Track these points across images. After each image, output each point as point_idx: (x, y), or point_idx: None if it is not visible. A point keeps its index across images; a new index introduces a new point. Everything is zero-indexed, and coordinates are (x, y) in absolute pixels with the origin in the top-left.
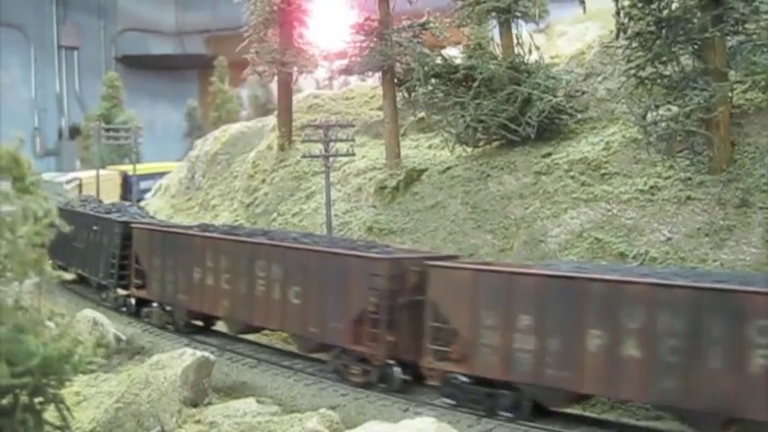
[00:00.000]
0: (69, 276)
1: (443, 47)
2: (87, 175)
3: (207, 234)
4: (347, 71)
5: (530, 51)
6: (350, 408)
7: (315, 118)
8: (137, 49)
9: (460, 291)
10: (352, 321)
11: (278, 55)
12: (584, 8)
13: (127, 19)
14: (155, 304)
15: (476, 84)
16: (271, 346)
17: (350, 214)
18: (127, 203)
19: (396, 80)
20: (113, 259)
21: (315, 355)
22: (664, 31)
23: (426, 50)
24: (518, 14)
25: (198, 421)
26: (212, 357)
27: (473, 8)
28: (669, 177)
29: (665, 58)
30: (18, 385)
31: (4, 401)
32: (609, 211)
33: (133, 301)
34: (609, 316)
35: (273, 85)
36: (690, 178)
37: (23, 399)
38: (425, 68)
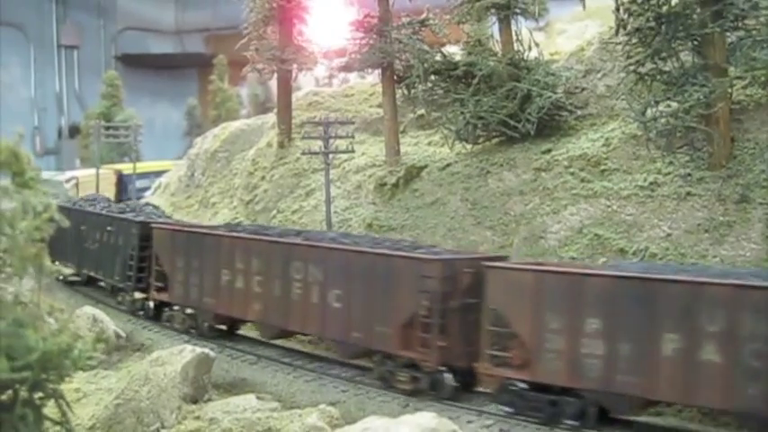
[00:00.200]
0: (68, 271)
1: (443, 44)
2: (84, 173)
3: (236, 234)
4: (347, 68)
5: (529, 48)
6: (350, 404)
7: (314, 115)
8: (136, 47)
9: (522, 293)
10: (401, 326)
11: (277, 52)
12: (584, 5)
13: (127, 18)
14: (176, 308)
15: (475, 80)
16: (270, 343)
17: (349, 211)
18: (141, 202)
19: (395, 77)
20: (131, 261)
21: (357, 362)
22: (663, 26)
23: (426, 47)
24: (517, 11)
25: (198, 417)
26: (212, 354)
27: (472, 5)
28: (669, 173)
29: (664, 54)
30: (18, 380)
31: (4, 396)
32: (609, 207)
33: (152, 304)
34: (686, 319)
35: (273, 84)
36: (689, 174)
37: (23, 394)
38: (425, 65)
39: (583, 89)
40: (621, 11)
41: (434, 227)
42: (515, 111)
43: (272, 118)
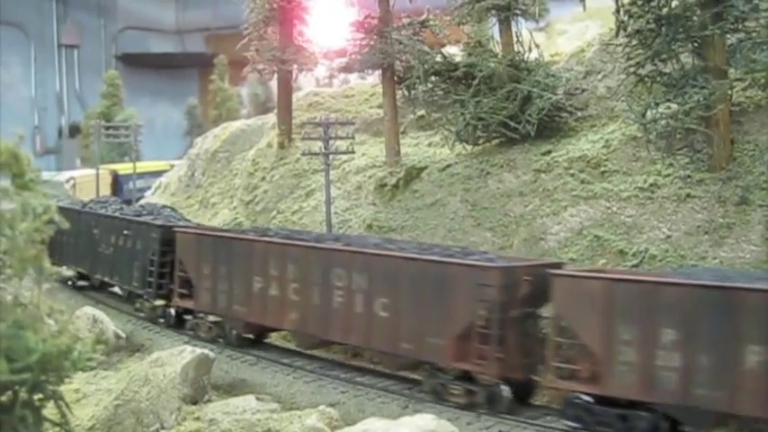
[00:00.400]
0: (69, 273)
1: (443, 45)
2: (81, 174)
3: (271, 239)
4: (347, 69)
5: (529, 49)
6: (349, 405)
7: (315, 116)
8: (137, 47)
9: (591, 303)
10: (456, 336)
11: (278, 53)
12: (585, 6)
13: (127, 17)
14: (202, 316)
15: (475, 81)
16: (269, 344)
17: (350, 212)
18: (159, 205)
19: (396, 78)
20: (151, 266)
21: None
22: (663, 28)
23: (426, 48)
24: (518, 12)
25: (197, 418)
26: (212, 355)
27: (473, 6)
28: (669, 175)
29: (664, 56)
30: (17, 381)
31: (4, 398)
32: (608, 208)
33: (173, 311)
34: None
35: (273, 84)
36: (689, 176)
37: (23, 395)
38: (425, 66)
39: (583, 90)
40: (622, 12)
41: (434, 228)
42: (515, 112)
43: (272, 118)
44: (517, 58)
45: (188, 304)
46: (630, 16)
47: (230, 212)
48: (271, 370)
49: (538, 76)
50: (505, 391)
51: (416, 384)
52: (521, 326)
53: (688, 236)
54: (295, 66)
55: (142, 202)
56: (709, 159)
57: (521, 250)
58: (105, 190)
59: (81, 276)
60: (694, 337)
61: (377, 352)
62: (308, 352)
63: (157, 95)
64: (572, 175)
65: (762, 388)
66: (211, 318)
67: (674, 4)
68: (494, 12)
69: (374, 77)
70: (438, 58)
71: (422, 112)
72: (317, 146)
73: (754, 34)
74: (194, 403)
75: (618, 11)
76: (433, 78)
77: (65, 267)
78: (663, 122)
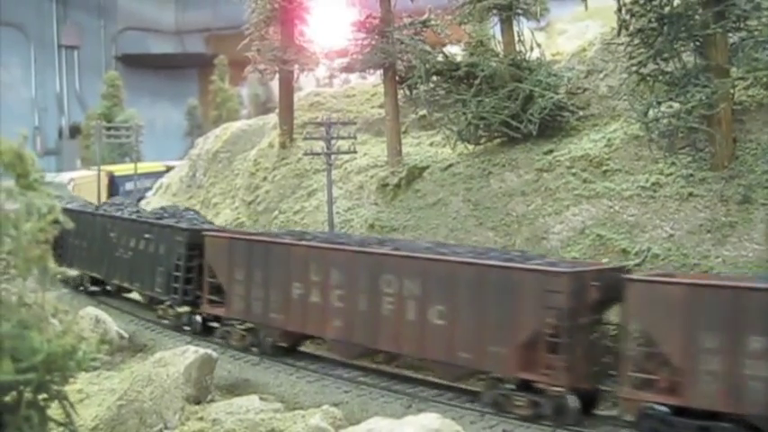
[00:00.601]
0: (73, 273)
1: (445, 44)
2: (79, 175)
3: (312, 244)
4: (349, 69)
5: (531, 49)
6: (353, 404)
7: (316, 116)
8: (137, 48)
9: (671, 309)
10: (521, 345)
11: (279, 53)
12: (587, 5)
13: (127, 18)
14: (234, 323)
15: (477, 81)
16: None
17: (352, 212)
18: (181, 207)
19: (397, 78)
20: (177, 272)
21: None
22: (665, 27)
23: (428, 48)
24: (519, 12)
25: (201, 418)
26: (215, 354)
27: (474, 5)
28: (671, 174)
29: (666, 55)
30: (22, 382)
31: (8, 398)
32: (611, 207)
33: (199, 318)
34: None
35: (274, 84)
36: (692, 175)
37: (27, 395)
38: (427, 66)
39: (585, 90)
40: (624, 11)
41: (436, 227)
42: (517, 111)
43: (273, 118)
44: (519, 57)
45: (218, 311)
46: (632, 15)
47: (232, 213)
48: (274, 370)
49: (540, 75)
50: (573, 401)
51: (473, 396)
52: (589, 333)
53: (691, 235)
54: (296, 66)
55: (142, 203)
56: (711, 158)
57: (523, 249)
58: (102, 191)
59: (94, 281)
60: None
61: (431, 362)
62: (309, 351)
63: (157, 96)
64: (574, 174)
65: None
66: (241, 325)
67: (675, 3)
68: (495, 11)
69: (375, 77)
70: (440, 58)
71: (423, 112)
72: (320, 146)
73: (755, 33)
74: (198, 403)
75: (620, 10)
76: (434, 78)
77: (77, 272)
78: (665, 121)
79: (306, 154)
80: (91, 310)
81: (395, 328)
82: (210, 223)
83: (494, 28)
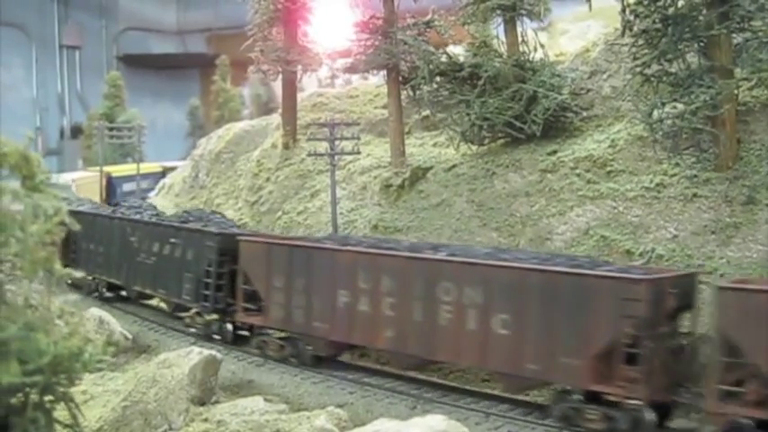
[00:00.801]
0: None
1: (448, 45)
2: (78, 176)
3: (361, 250)
4: (352, 69)
5: (534, 49)
6: (358, 405)
7: (319, 116)
8: (138, 48)
9: (762, 319)
10: (595, 356)
11: (282, 53)
12: (590, 5)
13: (128, 18)
14: (271, 333)
15: (481, 82)
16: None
17: (355, 212)
18: (207, 210)
19: (400, 78)
20: (207, 278)
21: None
22: (670, 28)
23: (431, 48)
24: (523, 12)
25: (205, 420)
26: (219, 356)
27: (478, 6)
28: (675, 175)
29: (670, 56)
30: (29, 384)
31: (15, 400)
32: (615, 208)
33: (230, 326)
34: None
35: (275, 84)
36: (696, 175)
37: (34, 397)
38: (430, 66)
39: (588, 90)
40: (627, 12)
41: (440, 228)
42: (521, 112)
43: (276, 119)
44: (522, 57)
45: (254, 320)
46: (636, 16)
47: (235, 213)
48: (278, 371)
49: (543, 75)
50: (650, 415)
51: (540, 409)
52: (667, 343)
53: (695, 235)
54: (299, 66)
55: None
56: (715, 159)
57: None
58: (96, 192)
59: (110, 287)
60: None
61: (494, 373)
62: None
63: (159, 96)
64: (578, 174)
65: None
66: (277, 334)
67: (680, 4)
68: (499, 11)
69: (379, 78)
70: (443, 59)
71: (427, 113)
72: (323, 146)
73: (760, 33)
74: (202, 404)
75: (624, 10)
76: (438, 78)
77: (90, 276)
78: (669, 122)
79: (309, 155)
80: (95, 312)
81: (454, 338)
82: (239, 227)
83: (497, 28)
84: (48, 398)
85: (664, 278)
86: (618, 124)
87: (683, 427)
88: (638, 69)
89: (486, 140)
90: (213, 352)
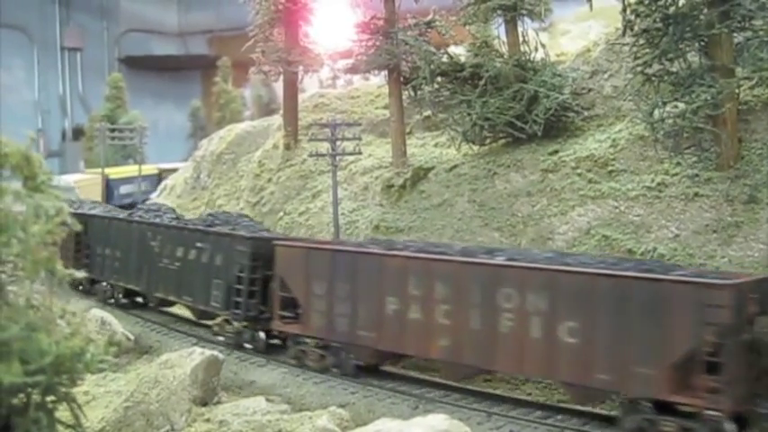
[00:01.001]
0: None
1: (449, 45)
2: (76, 178)
3: (412, 255)
4: (353, 70)
5: (535, 49)
6: (359, 405)
7: (321, 117)
8: (140, 49)
9: None
10: (673, 365)
11: (284, 54)
12: (591, 5)
13: (130, 20)
14: (307, 342)
15: (482, 82)
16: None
17: (356, 213)
18: (234, 213)
19: (402, 78)
20: (238, 285)
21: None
22: (670, 27)
23: (432, 49)
24: (524, 12)
25: (207, 420)
26: (221, 356)
27: (479, 6)
28: (676, 174)
29: (671, 55)
30: (31, 384)
31: (17, 400)
32: (616, 208)
33: (262, 335)
34: None
35: (277, 85)
36: (697, 175)
37: (36, 397)
38: (431, 67)
39: (589, 90)
40: (628, 12)
41: (442, 228)
42: (522, 112)
43: (277, 120)
44: (523, 58)
45: (292, 329)
46: (637, 15)
47: None
48: (280, 371)
49: (544, 75)
50: (731, 427)
51: (606, 421)
52: (749, 351)
53: (696, 235)
54: (301, 67)
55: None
56: (716, 158)
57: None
58: (97, 194)
59: (127, 293)
60: None
61: (561, 383)
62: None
63: (160, 98)
64: (579, 174)
65: None
66: (318, 343)
67: (681, 3)
68: (500, 12)
69: (380, 78)
70: (444, 59)
71: (428, 113)
72: (324, 147)
73: (761, 32)
74: (204, 405)
75: (625, 10)
76: (439, 79)
77: (104, 284)
78: (670, 121)
79: (311, 155)
80: (96, 312)
81: (515, 347)
82: (267, 230)
83: (498, 29)
84: (50, 398)
85: (745, 283)
86: (619, 124)
87: None
88: (639, 69)
89: (488, 140)
90: (215, 352)
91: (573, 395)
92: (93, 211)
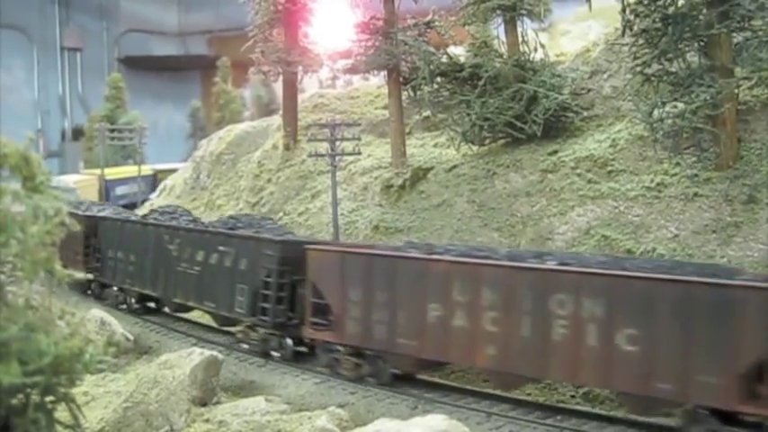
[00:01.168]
0: (85, 274)
1: (448, 45)
2: (75, 179)
3: (457, 259)
4: (353, 70)
5: (535, 49)
6: (359, 405)
7: (320, 117)
8: (139, 50)
9: None
10: (741, 375)
11: (283, 54)
12: (590, 5)
13: (129, 20)
14: (340, 349)
15: (481, 82)
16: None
17: (356, 213)
18: (257, 216)
19: (401, 79)
20: (266, 290)
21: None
22: (670, 27)
23: (432, 49)
24: (523, 12)
25: (207, 420)
26: (220, 356)
27: (478, 6)
28: (676, 174)
29: (671, 55)
30: (29, 384)
31: (16, 401)
32: (616, 208)
33: (290, 341)
34: None
35: (276, 86)
36: (696, 175)
37: (35, 398)
38: (431, 67)
39: (589, 90)
40: (628, 12)
41: (441, 228)
42: (521, 112)
43: (276, 120)
44: (523, 58)
45: (325, 336)
46: (637, 15)
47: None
48: (279, 371)
49: (544, 76)
50: None
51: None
52: None
53: (696, 235)
54: (300, 67)
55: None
56: (716, 158)
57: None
58: (93, 195)
59: (140, 298)
60: None
61: (619, 393)
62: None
63: (160, 98)
64: (579, 174)
65: None
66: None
67: (680, 3)
68: (499, 12)
69: (379, 78)
70: (444, 59)
71: (427, 113)
72: (324, 147)
73: (760, 33)
74: (203, 405)
75: (624, 10)
76: (438, 79)
77: (115, 288)
78: (669, 121)
79: (310, 156)
80: (96, 313)
81: (570, 355)
82: (290, 233)
83: (497, 29)
84: (49, 398)
85: None
86: (618, 124)
87: None
88: (638, 69)
89: (487, 141)
90: (214, 353)
91: (630, 405)
92: (102, 213)
